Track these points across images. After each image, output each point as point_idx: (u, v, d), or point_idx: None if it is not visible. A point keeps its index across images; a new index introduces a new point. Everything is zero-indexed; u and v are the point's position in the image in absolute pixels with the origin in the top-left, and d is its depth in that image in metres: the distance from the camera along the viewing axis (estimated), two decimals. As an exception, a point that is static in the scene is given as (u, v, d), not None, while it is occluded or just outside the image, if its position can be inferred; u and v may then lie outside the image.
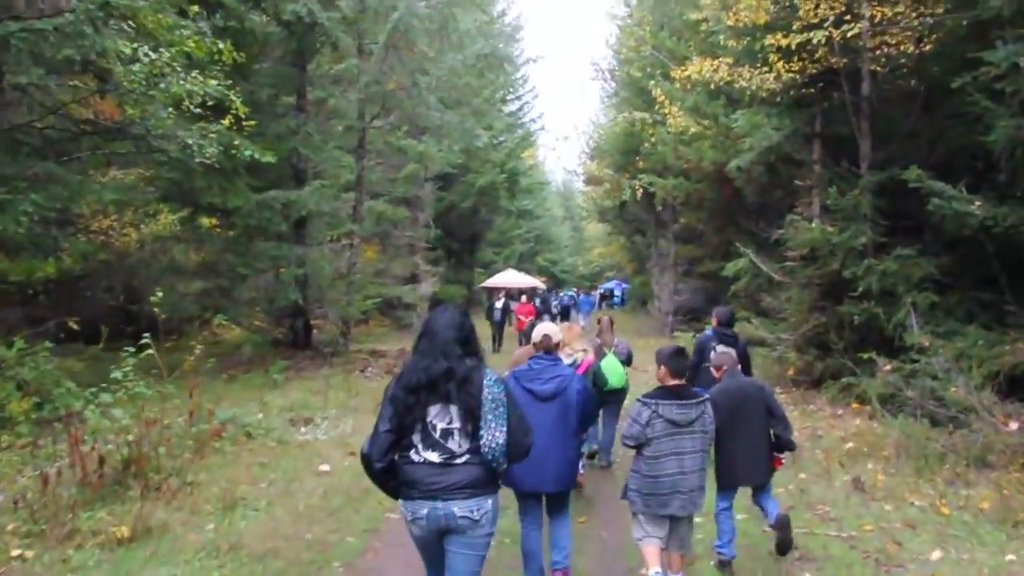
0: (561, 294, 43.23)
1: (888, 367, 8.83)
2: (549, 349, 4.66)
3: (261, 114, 14.55)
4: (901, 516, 5.99)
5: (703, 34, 17.13)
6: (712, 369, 5.38)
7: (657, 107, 18.87)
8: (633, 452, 4.33)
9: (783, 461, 5.22)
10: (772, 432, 4.94)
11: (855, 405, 10.47)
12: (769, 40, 10.70)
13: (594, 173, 27.59)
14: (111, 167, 14.07)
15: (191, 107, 9.27)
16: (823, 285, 11.67)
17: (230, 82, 13.26)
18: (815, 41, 10.38)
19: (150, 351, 6.59)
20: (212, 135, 10.52)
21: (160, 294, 7.41)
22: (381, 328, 24.72)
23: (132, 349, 6.66)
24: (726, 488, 4.99)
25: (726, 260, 19.34)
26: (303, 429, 9.10)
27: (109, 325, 16.03)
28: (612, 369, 7.41)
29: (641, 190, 22.54)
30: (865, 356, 9.52)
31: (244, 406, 10.11)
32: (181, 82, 9.03)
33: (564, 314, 34.21)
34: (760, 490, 5.05)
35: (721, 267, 19.33)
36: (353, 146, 15.99)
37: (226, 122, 11.25)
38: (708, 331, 7.91)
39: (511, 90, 37.40)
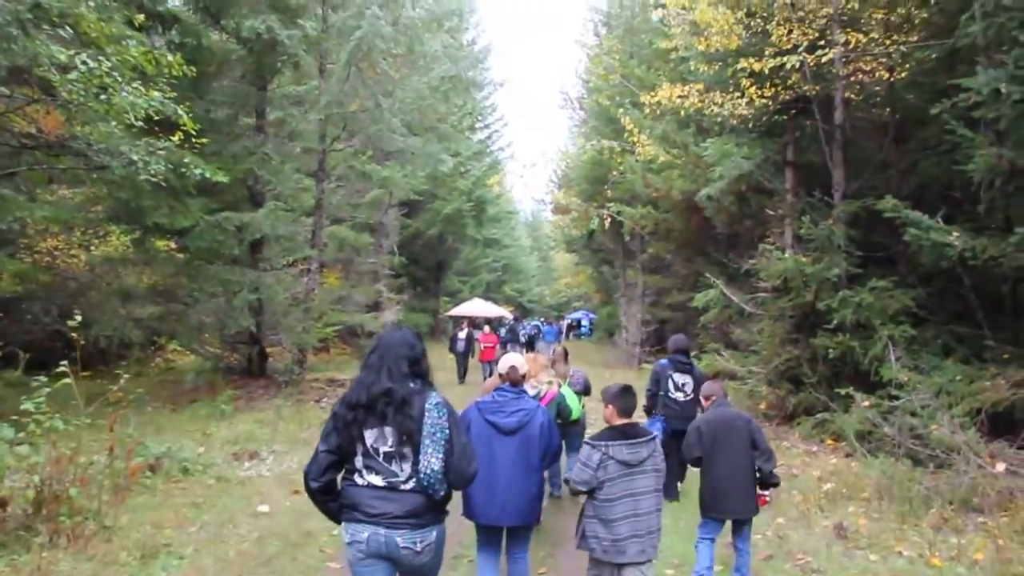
0: (526, 323, 42.81)
1: (867, 403, 8.47)
2: (515, 381, 4.55)
3: (217, 133, 13.99)
4: (889, 568, 5.54)
5: (673, 63, 16.95)
6: (701, 399, 5.44)
7: (626, 135, 18.67)
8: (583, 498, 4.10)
9: (768, 500, 5.16)
10: (756, 466, 4.93)
11: (830, 442, 10.10)
12: (742, 64, 10.45)
13: (561, 202, 27.31)
14: (55, 184, 13.43)
15: (134, 120, 8.66)
16: (796, 317, 11.35)
17: (177, 96, 12.92)
18: (788, 67, 10.18)
19: (67, 380, 5.89)
20: (160, 152, 9.94)
21: (79, 318, 6.70)
22: (342, 356, 23.96)
23: (45, 377, 5.95)
24: (708, 519, 5.03)
25: (695, 291, 19.09)
26: (247, 464, 8.44)
27: (50, 351, 15.34)
28: (569, 398, 7.11)
29: (609, 219, 22.25)
30: (842, 391, 9.15)
31: (184, 439, 9.45)
32: (124, 94, 8.44)
33: (529, 344, 33.97)
34: (741, 527, 5.02)
35: (690, 298, 19.07)
36: (313, 169, 15.42)
37: (175, 139, 10.66)
38: (663, 360, 7.89)
39: (479, 117, 37.16)
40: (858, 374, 10.30)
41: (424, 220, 30.83)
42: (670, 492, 7.44)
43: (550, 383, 6.63)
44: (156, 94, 8.72)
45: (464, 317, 25.63)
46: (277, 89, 15.61)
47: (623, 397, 4.08)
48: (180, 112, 9.21)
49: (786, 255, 10.81)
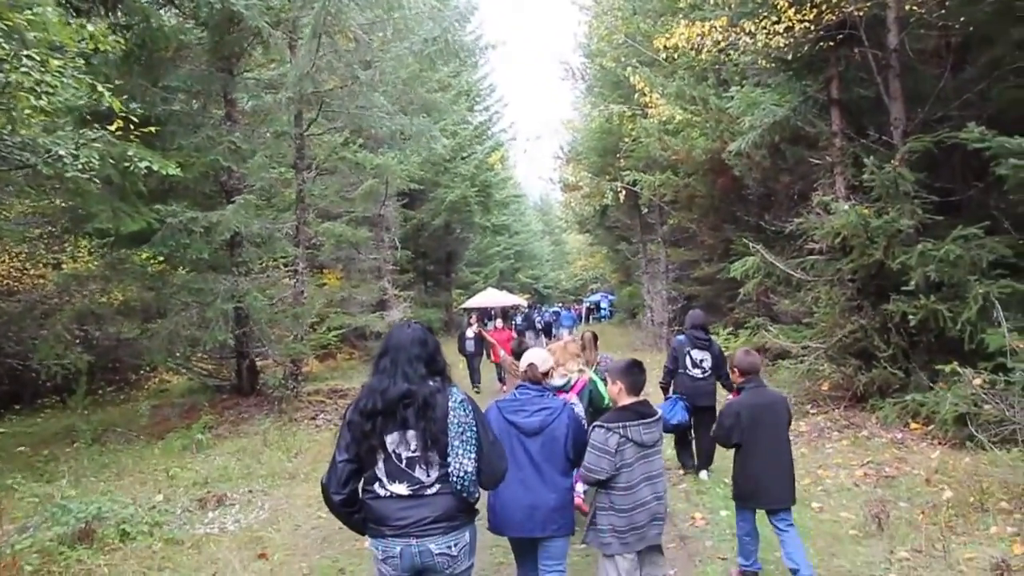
0: (544, 310, 41.25)
1: (978, 380, 6.74)
2: (535, 379, 4.15)
3: (178, 124, 12.40)
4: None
5: (684, 9, 15.20)
6: (733, 372, 5.00)
7: (636, 97, 16.90)
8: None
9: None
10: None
11: (916, 426, 8.39)
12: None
13: (571, 179, 25.56)
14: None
15: (37, 102, 7.05)
16: (859, 280, 9.63)
17: (126, 84, 11.30)
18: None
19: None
20: (94, 144, 8.37)
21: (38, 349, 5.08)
22: (349, 362, 22.47)
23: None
24: (745, 509, 4.76)
25: (725, 261, 17.34)
26: (210, 514, 6.85)
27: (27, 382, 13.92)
28: (601, 386, 6.48)
29: (624, 192, 20.50)
30: (941, 366, 7.45)
31: (142, 484, 7.90)
32: (23, 70, 6.84)
33: (546, 331, 32.75)
34: (780, 514, 4.58)
35: (720, 269, 17.32)
36: (291, 159, 13.77)
37: (113, 128, 9.07)
38: (681, 336, 7.85)
39: (477, 99, 35.36)
40: (944, 343, 8.60)
41: (428, 210, 29.21)
42: (686, 462, 7.72)
43: (580, 371, 6.22)
44: (59, 66, 7.05)
45: (475, 310, 23.94)
46: (246, 73, 13.98)
47: (632, 373, 3.89)
48: (102, 90, 7.55)
49: (846, 207, 9.04)
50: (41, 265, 14.88)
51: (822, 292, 10.17)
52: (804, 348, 10.40)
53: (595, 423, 3.89)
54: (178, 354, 11.68)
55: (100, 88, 7.59)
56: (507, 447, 3.61)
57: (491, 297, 36.72)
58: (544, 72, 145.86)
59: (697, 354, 7.42)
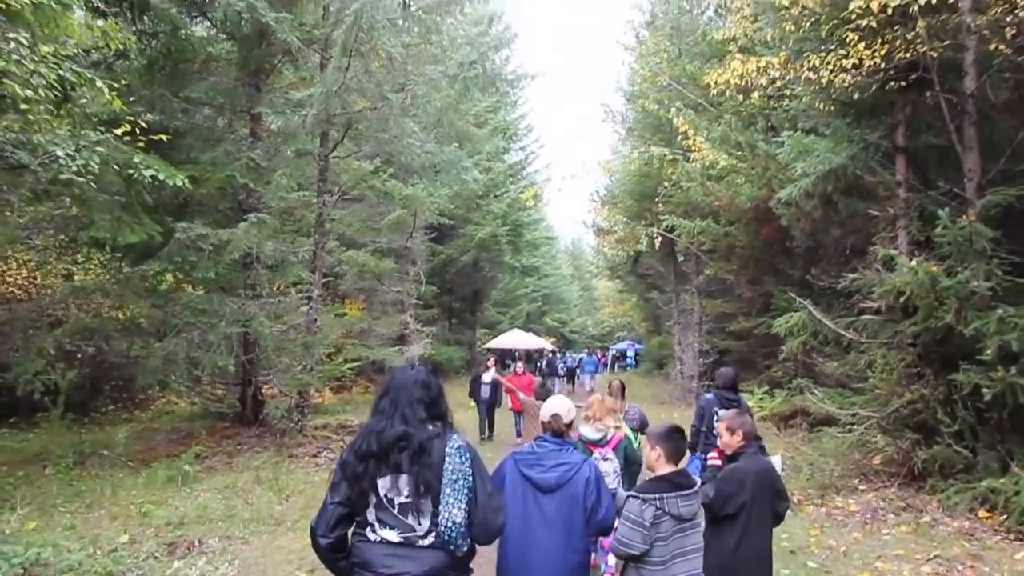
0: (567, 356, 40.29)
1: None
2: (558, 431, 3.77)
3: (198, 137, 11.91)
4: None
5: (734, 52, 14.56)
6: (724, 432, 4.34)
7: (679, 139, 16.20)
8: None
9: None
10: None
11: (983, 515, 7.36)
12: (855, 3, 7.86)
13: (605, 222, 24.85)
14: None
15: (38, 95, 6.48)
16: (923, 345, 8.66)
17: (148, 94, 10.84)
18: (911, 10, 7.60)
19: None
20: (97, 148, 7.79)
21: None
22: (365, 395, 21.65)
23: None
24: None
25: (762, 316, 16.37)
26: (175, 564, 6.04)
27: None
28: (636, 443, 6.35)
29: (659, 238, 19.71)
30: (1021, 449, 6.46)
31: (111, 521, 7.11)
32: (16, 58, 6.28)
33: (570, 376, 32.04)
34: None
35: (757, 325, 16.35)
36: (314, 180, 13.19)
37: (120, 132, 8.52)
38: (709, 395, 7.56)
39: (513, 138, 34.94)
40: (1019, 422, 7.61)
41: (457, 246, 28.62)
42: None
43: (617, 427, 6.07)
44: (54, 58, 6.48)
45: (494, 351, 23.05)
46: (275, 91, 13.50)
47: (673, 439, 3.70)
48: (101, 87, 6.97)
49: (913, 264, 8.12)
50: (52, 276, 14.41)
51: (878, 356, 9.19)
52: (853, 416, 9.41)
53: (630, 493, 3.62)
54: (173, 378, 10.96)
55: (100, 84, 7.02)
56: (520, 503, 3.44)
57: (516, 339, 35.91)
58: (582, 113, 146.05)
59: (725, 415, 6.74)
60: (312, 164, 12.94)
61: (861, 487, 8.83)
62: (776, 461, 6.73)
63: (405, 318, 22.41)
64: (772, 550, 4.13)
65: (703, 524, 3.64)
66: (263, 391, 13.18)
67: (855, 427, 9.30)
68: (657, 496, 3.45)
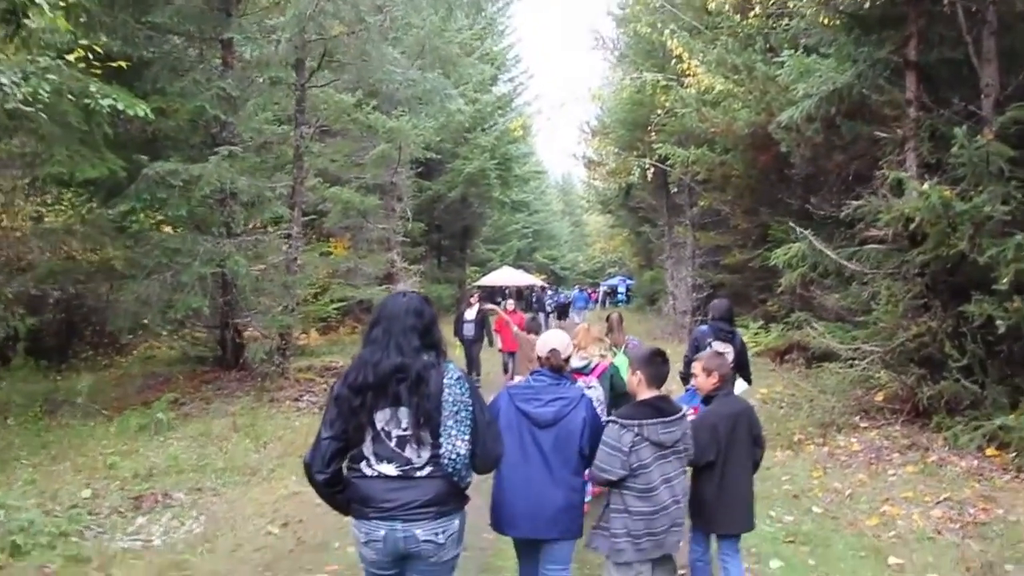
0: (558, 292, 40.01)
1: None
2: (557, 366, 3.62)
3: (164, 66, 11.14)
4: None
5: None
6: (700, 372, 4.18)
7: (673, 63, 15.44)
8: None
9: None
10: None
11: (991, 452, 7.04)
12: None
13: (596, 155, 24.13)
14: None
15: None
16: (931, 275, 8.21)
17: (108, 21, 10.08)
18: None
19: None
20: (48, 75, 7.14)
21: None
22: (352, 336, 21.23)
23: None
24: (700, 531, 4.11)
25: (758, 248, 15.90)
26: (140, 520, 5.65)
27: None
28: (624, 370, 6.18)
29: (651, 169, 19.08)
30: None
31: (76, 474, 6.71)
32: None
33: (560, 313, 32.00)
34: (730, 540, 4.08)
35: (752, 257, 15.88)
36: (292, 111, 12.45)
37: (72, 57, 7.84)
38: (704, 327, 7.42)
39: (501, 69, 33.81)
40: (1033, 355, 7.23)
41: (444, 182, 27.92)
42: None
43: (603, 356, 6.10)
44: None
45: (482, 288, 22.53)
46: (248, 16, 12.62)
47: (654, 363, 3.54)
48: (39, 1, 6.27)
49: (924, 187, 7.60)
50: (20, 218, 13.75)
51: (882, 287, 8.75)
52: (855, 351, 9.02)
53: (608, 418, 3.55)
54: (147, 320, 10.48)
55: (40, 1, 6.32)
56: (516, 439, 3.38)
57: (507, 276, 35.53)
58: (572, 41, 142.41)
59: (720, 346, 6.80)
60: (289, 95, 12.20)
61: (863, 424, 8.49)
62: (739, 386, 6.89)
63: (392, 256, 21.89)
64: (753, 493, 4.06)
65: (687, 453, 3.56)
66: (244, 334, 12.70)
67: (857, 362, 8.90)
68: (636, 422, 3.34)
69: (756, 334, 15.07)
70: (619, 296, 48.77)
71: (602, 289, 50.57)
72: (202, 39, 12.16)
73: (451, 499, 2.78)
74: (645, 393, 3.52)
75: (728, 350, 6.85)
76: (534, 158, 45.90)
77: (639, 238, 34.13)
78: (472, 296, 13.66)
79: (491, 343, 12.71)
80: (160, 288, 9.71)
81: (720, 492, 3.93)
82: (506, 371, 12.17)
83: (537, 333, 12.07)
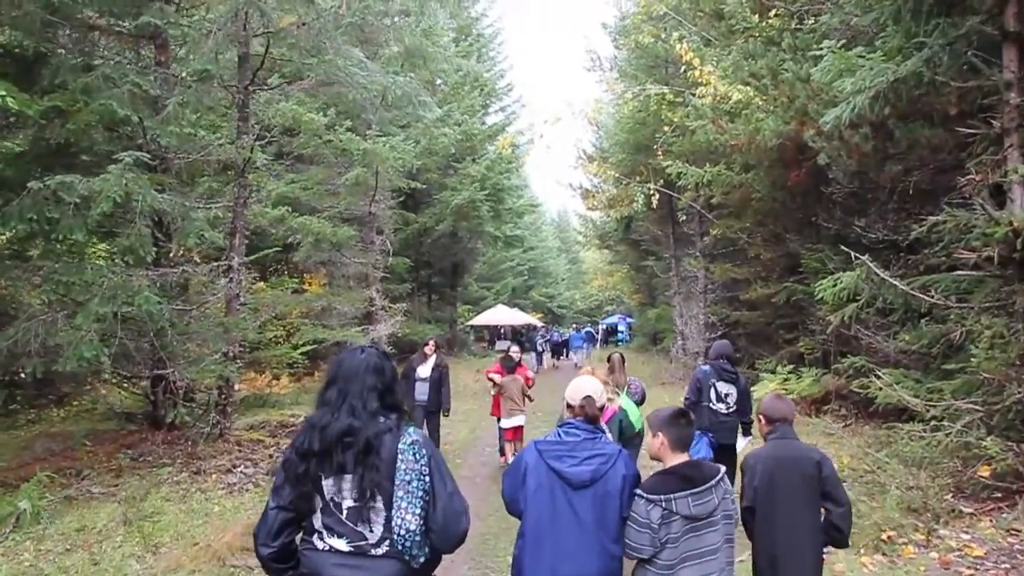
0: (552, 331, 38.06)
1: None
2: (593, 417, 3.21)
3: (65, 58, 9.15)
4: None
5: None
6: (759, 420, 3.79)
7: (683, 71, 13.58)
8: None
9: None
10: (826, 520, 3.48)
11: None
12: None
13: (593, 180, 22.21)
14: None
15: None
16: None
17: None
18: None
19: None
20: None
21: None
22: (325, 383, 19.01)
23: None
24: None
25: (783, 281, 13.86)
26: None
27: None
28: (631, 412, 6.00)
29: (656, 196, 17.13)
30: None
31: None
32: None
33: (555, 352, 31.31)
34: None
35: (778, 291, 13.82)
36: (234, 119, 10.46)
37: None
38: (705, 366, 7.21)
39: (493, 98, 32.10)
40: None
41: (431, 214, 26.01)
42: None
43: (611, 399, 5.56)
44: None
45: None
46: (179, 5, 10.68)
47: (678, 425, 3.15)
48: None
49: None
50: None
51: (980, 326, 6.68)
52: (944, 409, 6.91)
53: (637, 492, 3.01)
54: (23, 375, 8.32)
55: None
56: (547, 503, 2.99)
57: (501, 315, 33.49)
58: (566, 66, 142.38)
59: (723, 387, 6.83)
60: (224, 95, 10.21)
61: (967, 510, 6.31)
62: (741, 441, 6.90)
63: (370, 293, 19.75)
64: (816, 546, 3.45)
65: (729, 520, 3.01)
66: (177, 386, 10.54)
67: (947, 424, 6.80)
68: (663, 497, 2.91)
69: (785, 379, 12.93)
70: (620, 335, 46.78)
71: (601, 327, 48.68)
72: (134, 36, 10.22)
73: None
74: (670, 458, 3.12)
75: (732, 391, 6.80)
76: (528, 192, 44.21)
77: (640, 273, 32.22)
78: (427, 345, 9.73)
79: (447, 412, 9.59)
80: (45, 332, 7.57)
81: (762, 545, 3.50)
82: (501, 452, 9.81)
83: (512, 372, 10.04)
